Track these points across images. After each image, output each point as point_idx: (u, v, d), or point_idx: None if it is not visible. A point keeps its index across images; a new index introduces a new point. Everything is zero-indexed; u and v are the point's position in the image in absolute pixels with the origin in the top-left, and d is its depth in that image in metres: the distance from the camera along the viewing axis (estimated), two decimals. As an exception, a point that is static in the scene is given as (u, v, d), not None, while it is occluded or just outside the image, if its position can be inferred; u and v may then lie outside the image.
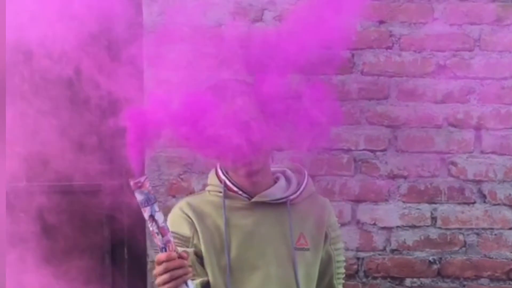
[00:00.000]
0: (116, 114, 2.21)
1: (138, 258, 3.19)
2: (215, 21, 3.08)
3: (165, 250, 1.94)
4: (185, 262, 1.96)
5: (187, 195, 2.90)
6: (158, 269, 1.93)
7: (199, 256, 2.18)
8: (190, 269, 1.98)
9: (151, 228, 1.94)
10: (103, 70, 2.32)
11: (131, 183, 1.92)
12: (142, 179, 1.92)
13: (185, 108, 2.12)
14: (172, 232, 2.13)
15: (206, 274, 2.17)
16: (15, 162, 2.62)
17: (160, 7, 3.05)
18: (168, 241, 1.94)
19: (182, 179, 3.10)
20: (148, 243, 3.13)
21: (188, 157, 3.05)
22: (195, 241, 2.19)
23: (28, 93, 2.44)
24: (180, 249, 2.09)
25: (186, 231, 2.19)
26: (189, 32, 2.88)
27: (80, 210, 3.15)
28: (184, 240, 2.19)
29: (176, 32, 2.93)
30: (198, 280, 2.14)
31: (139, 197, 1.92)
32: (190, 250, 2.17)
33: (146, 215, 1.93)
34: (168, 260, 1.92)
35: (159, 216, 1.94)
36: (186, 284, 1.95)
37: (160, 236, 1.94)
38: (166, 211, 2.95)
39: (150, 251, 3.13)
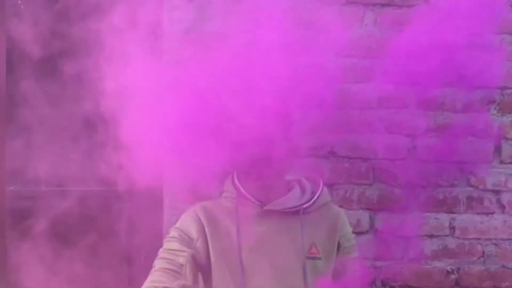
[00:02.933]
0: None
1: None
2: (235, 27, 3.09)
3: None
4: None
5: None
6: None
7: (196, 261, 2.19)
8: None
9: None
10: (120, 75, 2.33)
11: None
12: None
13: (205, 113, 2.13)
14: (179, 229, 2.22)
15: (195, 281, 2.19)
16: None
17: (181, 13, 3.06)
18: None
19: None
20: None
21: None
22: (198, 245, 2.20)
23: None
24: (177, 246, 2.17)
25: (192, 232, 2.22)
26: (210, 39, 2.89)
27: (98, 216, 3.16)
28: (188, 241, 2.20)
29: (197, 38, 2.94)
30: (177, 283, 2.14)
31: None
32: (189, 251, 2.18)
33: None
34: None
35: None
36: None
37: None
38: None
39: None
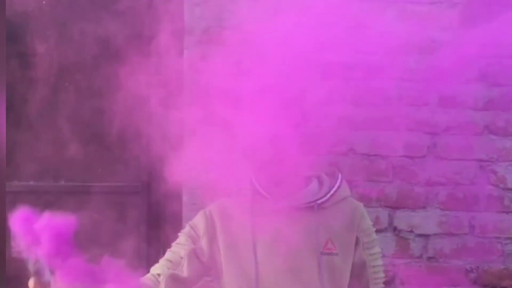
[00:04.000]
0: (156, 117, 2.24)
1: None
2: (255, 24, 3.08)
3: None
4: None
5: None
6: None
7: (198, 257, 2.23)
8: None
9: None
10: (142, 73, 2.35)
11: None
12: None
13: (222, 111, 2.15)
14: (190, 225, 2.28)
15: (194, 275, 2.23)
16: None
17: (201, 10, 3.06)
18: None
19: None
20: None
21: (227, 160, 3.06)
22: (202, 242, 2.23)
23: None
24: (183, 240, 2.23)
25: (200, 230, 2.25)
26: (229, 35, 2.89)
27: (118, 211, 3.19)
28: (195, 237, 2.25)
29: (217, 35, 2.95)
30: (168, 272, 2.21)
31: None
32: (191, 246, 2.23)
33: None
34: None
35: None
36: None
37: None
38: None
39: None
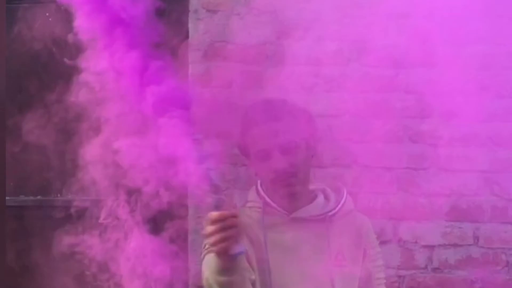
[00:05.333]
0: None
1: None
2: (259, 39, 3.10)
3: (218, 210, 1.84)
4: (238, 221, 1.85)
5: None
6: (210, 228, 1.83)
7: (248, 260, 2.15)
8: (241, 229, 1.87)
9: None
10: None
11: None
12: None
13: (230, 124, 2.16)
14: None
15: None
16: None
17: (206, 25, 3.08)
18: (222, 200, 1.85)
19: (224, 195, 3.09)
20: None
21: (231, 173, 3.07)
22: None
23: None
24: None
25: None
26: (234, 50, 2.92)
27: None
28: None
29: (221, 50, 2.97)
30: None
31: None
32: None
33: None
34: (221, 219, 1.83)
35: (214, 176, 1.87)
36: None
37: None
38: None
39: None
